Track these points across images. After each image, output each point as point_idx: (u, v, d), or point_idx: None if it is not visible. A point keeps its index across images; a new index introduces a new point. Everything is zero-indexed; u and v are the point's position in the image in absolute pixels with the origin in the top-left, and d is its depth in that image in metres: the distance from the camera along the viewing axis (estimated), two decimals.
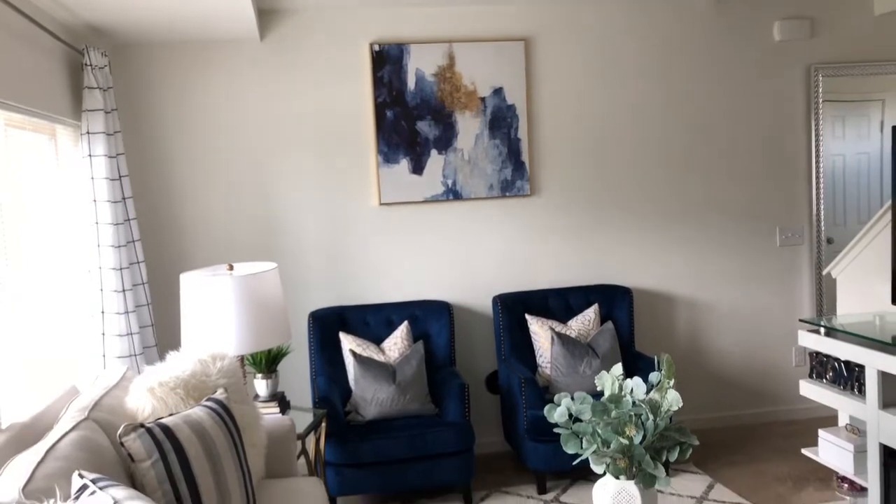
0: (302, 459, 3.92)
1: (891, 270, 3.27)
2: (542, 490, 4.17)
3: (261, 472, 3.12)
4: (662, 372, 2.50)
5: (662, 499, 3.99)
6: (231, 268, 3.58)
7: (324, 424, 3.89)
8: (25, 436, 2.62)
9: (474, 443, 4.05)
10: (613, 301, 4.74)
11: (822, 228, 5.04)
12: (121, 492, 2.01)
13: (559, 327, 4.53)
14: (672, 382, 2.50)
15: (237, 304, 3.39)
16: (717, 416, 5.09)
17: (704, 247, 5.01)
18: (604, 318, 4.68)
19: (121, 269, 3.78)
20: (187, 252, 4.49)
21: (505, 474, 4.46)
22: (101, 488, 2.01)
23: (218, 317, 3.38)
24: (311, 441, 3.97)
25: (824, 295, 5.06)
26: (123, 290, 3.77)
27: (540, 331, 4.52)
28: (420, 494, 4.22)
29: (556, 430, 2.55)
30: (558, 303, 4.72)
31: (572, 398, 2.57)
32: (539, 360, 4.52)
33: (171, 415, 2.65)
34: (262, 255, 4.54)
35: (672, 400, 2.43)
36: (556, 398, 2.57)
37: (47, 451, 2.21)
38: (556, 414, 2.54)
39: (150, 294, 4.14)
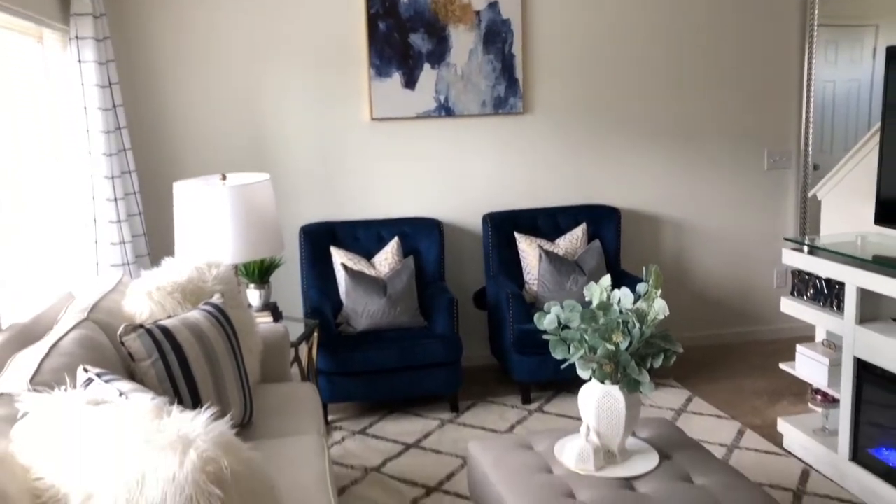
0: (295, 367, 4.01)
1: (875, 191, 3.33)
2: (527, 400, 4.31)
3: (256, 377, 3.20)
4: (650, 281, 2.57)
5: (644, 410, 4.13)
6: (224, 178, 3.59)
7: (316, 334, 3.97)
8: (25, 336, 2.68)
9: (461, 355, 4.15)
10: (601, 221, 4.80)
11: (810, 153, 5.09)
12: (126, 384, 2.08)
13: (547, 245, 4.60)
14: (659, 292, 2.57)
15: (231, 214, 3.42)
16: (699, 334, 5.22)
17: (693, 169, 5.05)
18: (591, 237, 4.74)
19: (112, 177, 3.77)
20: (178, 163, 4.48)
21: (491, 386, 4.60)
22: (106, 381, 2.07)
23: (211, 226, 3.41)
24: (303, 350, 4.06)
25: (808, 219, 5.14)
26: (115, 199, 3.78)
27: (528, 248, 4.58)
28: (408, 403, 4.34)
29: (544, 336, 2.63)
30: (547, 222, 4.78)
31: (562, 307, 2.64)
32: (526, 277, 4.60)
33: (169, 317, 2.70)
34: (253, 168, 4.54)
35: (659, 308, 2.50)
36: (545, 306, 2.64)
37: (51, 347, 2.27)
38: (546, 321, 2.61)
39: (142, 204, 4.14)
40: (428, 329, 4.27)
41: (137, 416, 1.63)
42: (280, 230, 3.70)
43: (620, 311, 2.58)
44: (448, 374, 4.13)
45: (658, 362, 2.53)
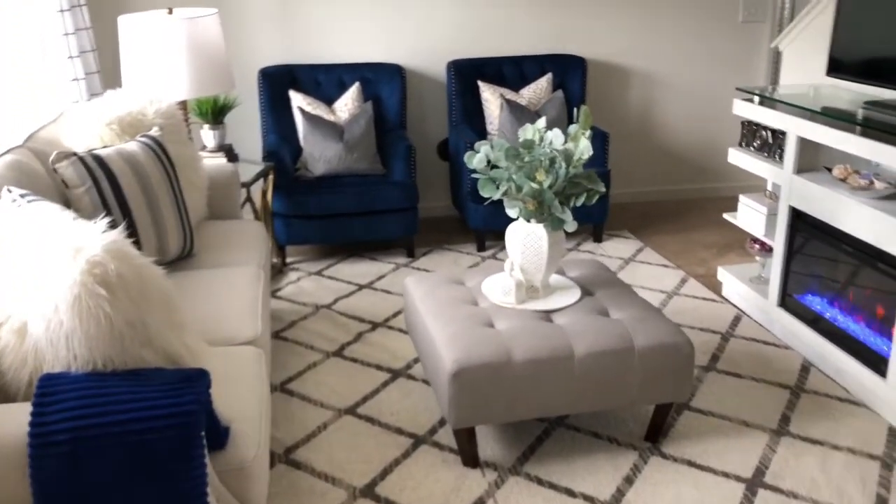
0: (249, 208, 4.08)
1: (829, 43, 3.28)
2: (481, 248, 4.41)
3: (202, 213, 3.27)
4: (580, 122, 2.58)
5: (592, 257, 4.24)
6: (171, 12, 3.52)
7: (271, 177, 4.01)
8: None
9: (417, 202, 4.21)
10: (567, 71, 4.73)
11: (786, 5, 4.95)
12: (50, 205, 2.13)
13: (510, 95, 4.56)
14: (588, 133, 2.59)
15: (177, 48, 3.37)
16: (659, 189, 5.27)
17: (665, 20, 4.93)
18: (556, 87, 4.69)
19: (62, 11, 3.69)
20: None
21: (448, 234, 4.69)
22: (29, 202, 2.13)
23: (157, 60, 3.37)
24: (258, 192, 4.12)
25: (780, 73, 5.07)
26: (66, 34, 3.71)
27: (491, 98, 4.55)
28: (366, 247, 4.45)
29: (472, 175, 2.66)
30: (512, 71, 4.71)
31: (491, 147, 2.66)
32: (488, 127, 4.59)
33: (104, 147, 2.73)
34: (206, 3, 4.43)
35: (583, 148, 2.53)
36: (475, 145, 2.67)
37: None
38: (475, 160, 2.65)
39: (95, 40, 4.07)
40: (385, 176, 4.31)
41: (37, 224, 1.69)
42: (230, 68, 3.66)
43: (549, 151, 2.60)
44: (404, 220, 4.21)
45: (580, 201, 2.58)
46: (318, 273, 4.12)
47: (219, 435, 1.77)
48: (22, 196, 2.14)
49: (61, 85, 3.71)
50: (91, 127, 2.86)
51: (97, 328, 1.53)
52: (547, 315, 2.63)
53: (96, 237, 1.59)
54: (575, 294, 2.74)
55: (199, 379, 1.63)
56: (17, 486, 1.47)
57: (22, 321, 1.59)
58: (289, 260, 4.29)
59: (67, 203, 2.56)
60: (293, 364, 3.20)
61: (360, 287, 3.94)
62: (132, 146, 2.75)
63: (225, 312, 2.45)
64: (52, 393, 1.53)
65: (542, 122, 2.70)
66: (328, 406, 2.90)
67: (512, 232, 2.68)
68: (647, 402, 2.56)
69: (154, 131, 2.90)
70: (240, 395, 2.00)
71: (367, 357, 3.25)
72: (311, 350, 3.31)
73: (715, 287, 3.87)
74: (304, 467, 2.55)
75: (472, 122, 4.61)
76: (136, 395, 1.53)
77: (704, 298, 3.77)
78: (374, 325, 3.52)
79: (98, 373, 1.57)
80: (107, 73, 4.19)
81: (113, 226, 2.56)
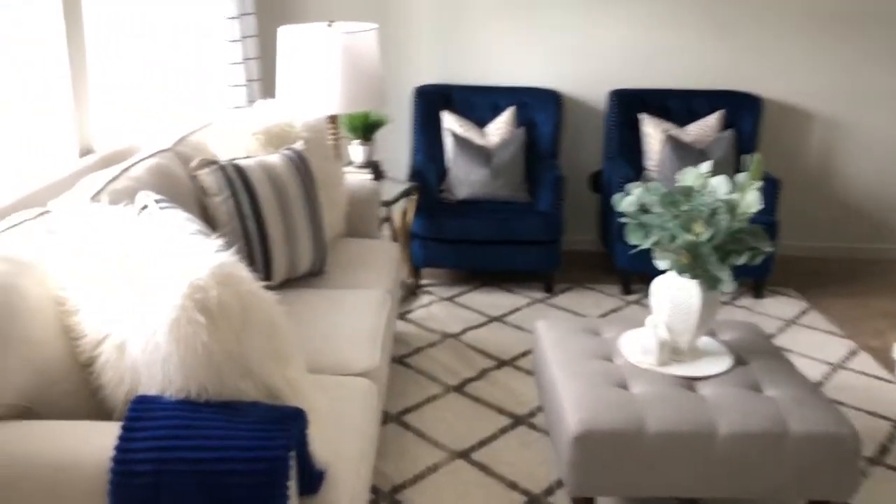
0: (387, 227, 4.00)
1: None
2: (627, 291, 4.13)
3: (340, 230, 3.21)
4: (749, 171, 2.30)
5: (749, 315, 3.86)
6: (330, 24, 3.51)
7: (414, 197, 3.93)
8: (114, 160, 2.77)
9: (561, 235, 3.99)
10: (740, 110, 4.37)
11: None
12: (180, 214, 2.10)
13: (674, 130, 4.26)
14: (758, 185, 2.30)
15: (332, 61, 3.35)
16: (833, 245, 4.77)
17: (857, 59, 4.46)
18: (726, 126, 4.34)
19: (231, 18, 3.78)
20: (295, 9, 4.43)
21: (592, 272, 4.43)
22: (161, 208, 2.10)
23: (312, 72, 3.36)
24: (398, 212, 4.04)
25: None
26: (232, 41, 3.80)
27: (653, 132, 4.27)
28: (503, 277, 4.27)
29: (621, 219, 2.43)
30: (678, 104, 4.41)
31: (646, 190, 2.42)
32: (647, 163, 4.30)
33: (246, 157, 2.71)
34: (371, 19, 4.42)
35: (751, 201, 2.24)
36: (626, 187, 2.43)
37: (122, 171, 2.33)
38: (625, 203, 2.41)
39: (260, 48, 4.15)
40: (530, 205, 4.13)
41: (154, 237, 1.64)
42: (382, 84, 3.61)
43: (712, 201, 2.33)
44: (545, 252, 4.00)
45: (741, 259, 2.29)
46: (451, 299, 3.98)
47: (312, 479, 1.64)
48: (156, 202, 2.13)
49: (221, 90, 3.80)
50: (237, 136, 2.86)
51: (193, 356, 1.44)
52: (690, 383, 2.35)
53: (205, 258, 1.51)
54: (725, 362, 2.44)
55: (294, 420, 1.51)
56: None
57: (123, 338, 1.53)
58: (423, 282, 4.18)
59: (205, 210, 2.56)
60: (413, 394, 3.07)
61: (492, 319, 3.77)
62: (274, 158, 2.72)
63: (344, 338, 2.35)
64: (141, 418, 1.46)
65: (706, 167, 2.44)
66: (442, 446, 2.74)
67: (659, 285, 2.43)
68: (797, 497, 2.23)
69: (298, 145, 2.86)
70: (343, 435, 1.87)
71: (490, 397, 3.06)
72: (432, 382, 3.17)
73: (889, 364, 3.40)
74: None
75: (629, 157, 4.34)
76: (224, 432, 1.42)
77: (876, 377, 3.31)
78: (501, 363, 3.34)
79: (191, 402, 1.48)
80: (263, 82, 4.26)
81: (242, 244, 2.54)
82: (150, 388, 1.51)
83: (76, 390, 1.64)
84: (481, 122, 4.35)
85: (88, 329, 1.61)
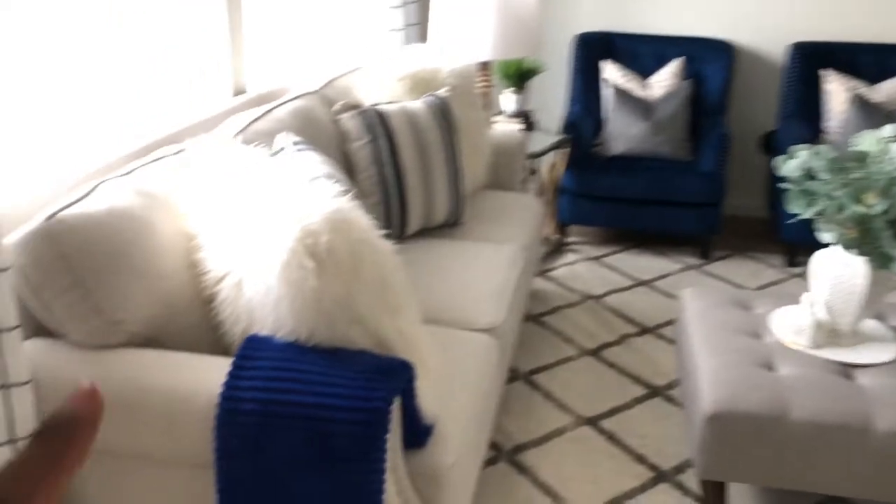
0: (533, 182, 3.89)
1: None
2: (792, 263, 3.81)
3: (481, 181, 3.14)
4: None
5: None
6: None
7: (565, 151, 3.78)
8: (266, 101, 2.83)
9: (723, 198, 3.72)
10: None
11: None
12: (315, 157, 2.11)
13: (862, 89, 3.83)
14: None
15: (487, 5, 3.24)
16: None
17: None
18: None
19: None
20: None
21: (755, 241, 4.12)
22: (297, 150, 2.12)
23: (465, 17, 3.27)
24: (546, 166, 3.91)
25: None
26: None
27: (837, 90, 3.86)
28: (656, 239, 4.06)
29: (781, 184, 2.20)
30: (869, 60, 3.96)
31: (815, 154, 2.17)
32: (827, 124, 3.91)
33: (390, 102, 2.68)
34: None
35: None
36: (791, 150, 2.19)
37: (266, 112, 2.37)
38: (789, 166, 2.18)
39: None
40: (691, 164, 3.87)
41: (279, 180, 1.64)
42: (539, 30, 3.46)
43: (891, 170, 2.06)
44: (704, 216, 3.75)
45: None
46: (597, 259, 3.84)
47: (419, 432, 1.61)
48: (294, 144, 2.15)
49: (379, 34, 3.79)
50: (384, 80, 2.84)
51: (302, 300, 1.43)
52: (847, 370, 2.11)
53: (322, 204, 1.49)
54: (891, 350, 2.18)
55: (400, 372, 1.48)
56: (198, 444, 1.44)
57: (241, 277, 1.55)
58: (569, 239, 4.05)
59: (346, 155, 2.56)
60: (546, 354, 2.98)
61: (639, 283, 3.59)
62: (416, 105, 2.68)
63: (471, 293, 2.29)
64: (251, 357, 1.47)
65: (889, 130, 2.15)
66: (570, 410, 2.65)
67: (820, 259, 2.19)
68: None
69: (442, 91, 2.80)
70: (455, 390, 1.83)
71: (627, 365, 2.93)
72: (567, 343, 3.07)
73: None
74: (527, 472, 2.34)
75: (807, 117, 3.96)
76: (327, 379, 1.41)
77: None
78: (643, 330, 3.18)
79: (299, 345, 1.48)
80: (420, 27, 4.21)
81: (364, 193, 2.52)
82: (263, 328, 1.52)
83: (199, 324, 1.69)
84: (644, 73, 4.11)
85: (212, 265, 1.65)
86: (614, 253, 3.90)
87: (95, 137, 2.10)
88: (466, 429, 1.76)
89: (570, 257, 3.85)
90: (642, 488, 2.29)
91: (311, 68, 3.35)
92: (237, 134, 2.17)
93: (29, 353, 1.53)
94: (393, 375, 1.46)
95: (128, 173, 1.78)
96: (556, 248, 3.93)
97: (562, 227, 3.95)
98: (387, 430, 1.40)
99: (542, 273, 3.66)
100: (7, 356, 1.43)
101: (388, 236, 2.56)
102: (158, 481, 1.54)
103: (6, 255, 1.44)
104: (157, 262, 1.63)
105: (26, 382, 1.46)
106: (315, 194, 1.55)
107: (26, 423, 1.48)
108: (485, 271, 2.43)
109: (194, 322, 1.68)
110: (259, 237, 1.51)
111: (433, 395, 1.68)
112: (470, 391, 1.87)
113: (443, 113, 2.71)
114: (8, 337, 1.42)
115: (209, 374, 1.48)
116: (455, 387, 1.84)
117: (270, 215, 1.52)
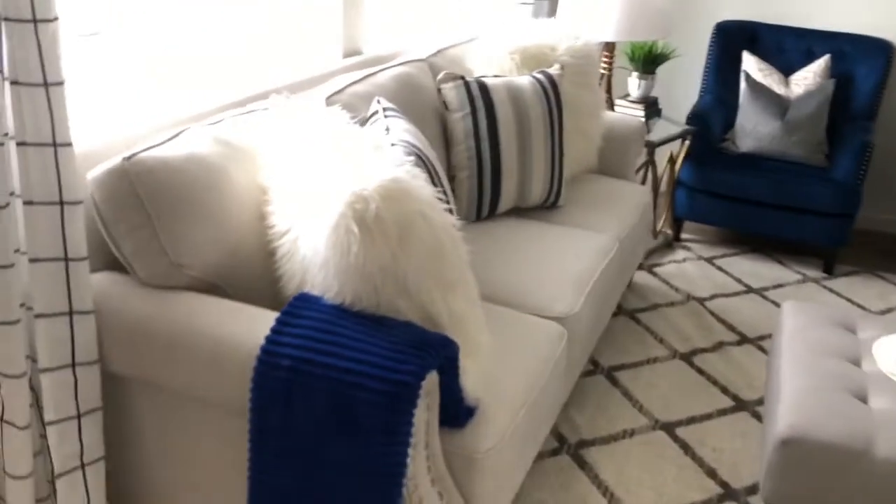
0: (647, 172, 3.73)
1: None
2: None
3: (589, 165, 3.05)
4: None
5: None
6: None
7: (686, 143, 3.61)
8: (376, 64, 2.84)
9: (856, 210, 3.44)
10: None
11: None
12: (402, 124, 2.10)
13: None
14: None
15: None
16: None
17: None
18: None
19: None
20: None
21: (888, 259, 3.79)
22: (386, 116, 2.12)
23: None
24: (665, 156, 3.74)
25: None
26: None
27: None
28: (775, 246, 3.82)
29: None
30: None
31: None
32: None
33: (496, 76, 2.63)
34: None
35: None
36: None
37: (367, 75, 2.38)
38: None
39: None
40: (824, 170, 3.59)
41: (352, 144, 1.64)
42: (671, 14, 3.30)
43: None
44: (832, 227, 3.48)
45: None
46: (709, 260, 3.65)
47: (459, 412, 1.59)
48: (384, 110, 2.15)
49: (507, 5, 3.73)
50: (494, 53, 2.79)
51: (346, 264, 1.43)
52: None
53: (383, 172, 1.47)
54: None
55: (439, 348, 1.45)
56: (238, 391, 1.47)
57: (298, 235, 1.57)
58: (683, 236, 3.87)
59: (444, 124, 2.54)
60: (633, 351, 2.88)
61: (749, 290, 3.39)
62: (522, 80, 2.61)
63: (549, 278, 2.23)
64: (296, 314, 1.49)
65: None
66: (646, 412, 2.54)
67: None
68: None
69: (553, 69, 2.72)
70: (508, 375, 1.79)
71: (717, 373, 2.78)
72: (658, 343, 2.94)
73: None
74: (587, 469, 2.27)
75: None
76: (362, 346, 1.41)
77: None
78: (743, 340, 3.00)
79: (343, 309, 1.49)
80: (552, 1, 4.11)
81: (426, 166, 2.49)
82: (314, 287, 1.54)
83: (261, 276, 1.72)
84: (788, 68, 3.84)
85: (277, 220, 1.67)
86: (728, 255, 3.70)
87: (203, 86, 2.18)
88: (514, 416, 1.72)
89: (680, 254, 3.68)
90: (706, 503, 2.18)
91: (433, 35, 3.34)
92: (333, 95, 2.19)
93: (97, 285, 1.62)
94: (430, 351, 1.43)
95: (215, 123, 1.83)
96: (668, 244, 3.77)
97: (676, 223, 3.78)
98: (414, 404, 1.38)
99: (649, 268, 3.52)
100: (75, 285, 1.51)
101: (477, 212, 2.56)
102: (202, 421, 1.60)
103: (82, 189, 1.52)
104: (227, 212, 1.67)
105: (90, 311, 1.54)
106: (379, 162, 1.54)
107: (88, 350, 1.56)
108: (569, 258, 2.35)
109: (256, 274, 1.72)
110: (318, 198, 1.52)
111: (480, 378, 1.65)
112: (525, 379, 1.82)
113: (550, 91, 2.63)
114: (77, 267, 1.50)
115: (256, 325, 1.51)
116: (509, 372, 1.80)
117: (332, 178, 1.52)
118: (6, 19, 1.31)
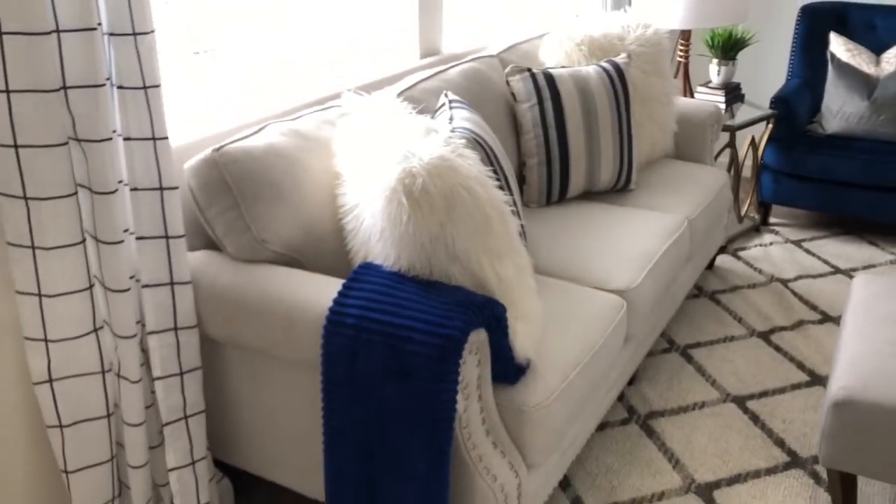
0: (727, 156, 3.74)
1: None
2: None
3: (664, 150, 3.12)
4: None
5: None
6: None
7: (769, 125, 3.61)
8: (452, 61, 3.02)
9: None
10: None
11: None
12: (466, 114, 2.28)
13: None
14: None
15: None
16: None
17: None
18: None
19: None
20: None
21: None
22: (451, 108, 2.30)
23: None
24: (746, 140, 3.74)
25: None
26: None
27: None
28: (869, 227, 3.75)
29: None
30: None
31: None
32: None
33: (563, 67, 2.76)
34: None
35: None
36: None
37: (437, 72, 2.57)
38: None
39: None
40: None
41: (405, 130, 1.82)
42: None
43: None
44: None
45: None
46: (797, 243, 3.63)
47: (509, 370, 1.74)
48: (450, 101, 2.33)
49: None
50: (564, 45, 2.92)
51: (399, 234, 1.61)
52: None
53: (430, 150, 1.65)
54: None
55: (485, 307, 1.61)
56: (310, 349, 1.68)
57: (362, 210, 1.77)
58: (772, 220, 3.86)
59: (514, 115, 2.69)
60: (710, 331, 2.93)
61: (836, 271, 3.36)
62: (588, 70, 2.73)
63: (611, 254, 2.34)
64: (360, 280, 1.68)
65: None
66: (718, 386, 2.60)
67: None
68: None
69: (620, 57, 2.82)
70: (563, 343, 1.92)
71: (794, 350, 2.80)
72: (737, 323, 2.98)
73: None
74: (654, 437, 2.37)
75: None
76: (415, 305, 1.59)
77: None
78: (825, 318, 3.00)
79: (400, 275, 1.67)
80: None
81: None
82: (375, 257, 1.73)
83: (335, 251, 1.94)
84: (878, 48, 3.77)
85: (347, 199, 1.88)
86: (818, 238, 3.67)
87: (292, 87, 2.43)
88: (565, 377, 1.85)
89: (766, 238, 3.68)
90: (772, 471, 2.23)
91: (511, 33, 3.50)
92: (404, 91, 2.38)
93: (195, 262, 1.87)
94: (475, 310, 1.60)
95: (294, 118, 2.06)
96: (755, 228, 3.77)
97: (763, 207, 3.78)
98: (459, 355, 1.54)
99: (734, 252, 3.54)
100: (174, 259, 1.76)
101: (548, 196, 2.69)
102: (284, 377, 1.82)
103: (178, 176, 1.77)
104: (302, 194, 1.89)
105: (188, 282, 1.79)
106: (431, 143, 1.72)
107: (187, 316, 1.81)
108: (634, 236, 2.45)
109: (331, 248, 1.93)
110: (378, 177, 1.71)
111: (531, 340, 1.79)
112: (579, 343, 1.94)
113: (616, 80, 2.74)
114: (175, 243, 1.76)
115: (324, 291, 1.71)
116: (563, 337, 1.93)
117: (390, 159, 1.71)
118: (111, 34, 1.57)
